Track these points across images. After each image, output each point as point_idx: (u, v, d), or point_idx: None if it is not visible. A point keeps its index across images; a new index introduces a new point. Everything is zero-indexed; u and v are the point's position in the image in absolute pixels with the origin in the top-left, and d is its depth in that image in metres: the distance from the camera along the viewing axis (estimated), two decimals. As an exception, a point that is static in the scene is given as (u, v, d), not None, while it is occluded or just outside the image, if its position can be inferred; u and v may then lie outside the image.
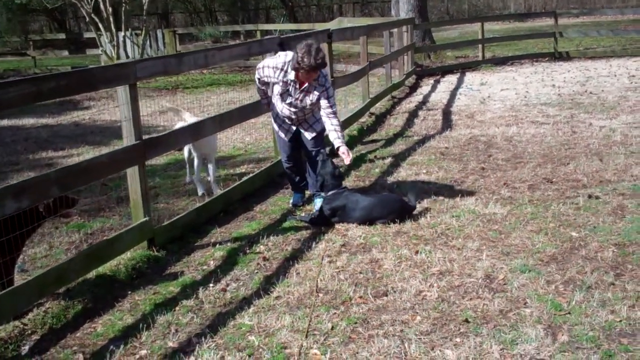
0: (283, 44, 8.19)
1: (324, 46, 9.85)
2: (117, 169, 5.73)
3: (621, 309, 4.46)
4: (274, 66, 6.63)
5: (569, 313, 4.46)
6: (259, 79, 6.87)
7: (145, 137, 5.86)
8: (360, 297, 4.89)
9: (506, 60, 20.42)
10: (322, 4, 45.77)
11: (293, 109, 6.77)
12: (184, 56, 6.53)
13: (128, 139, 5.72)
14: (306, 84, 6.56)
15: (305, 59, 6.28)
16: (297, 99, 6.69)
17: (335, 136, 6.60)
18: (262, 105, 7.33)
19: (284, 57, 6.62)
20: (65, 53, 28.22)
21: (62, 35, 31.32)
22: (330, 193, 6.57)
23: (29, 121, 14.16)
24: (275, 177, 8.19)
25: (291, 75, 6.53)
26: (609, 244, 5.59)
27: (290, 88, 6.65)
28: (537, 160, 8.39)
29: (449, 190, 7.33)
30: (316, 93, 6.62)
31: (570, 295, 4.70)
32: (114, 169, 5.68)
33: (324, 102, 6.63)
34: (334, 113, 6.63)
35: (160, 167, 9.28)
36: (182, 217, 6.41)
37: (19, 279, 5.26)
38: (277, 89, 6.73)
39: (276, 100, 6.84)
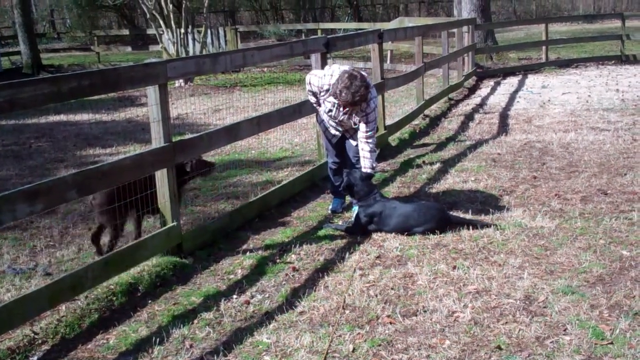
0: (329, 44, 7.92)
1: (375, 47, 9.56)
2: (143, 172, 5.51)
3: (671, 340, 4.08)
4: (319, 85, 6.53)
5: (612, 343, 4.08)
6: (309, 90, 6.71)
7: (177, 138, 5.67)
8: (388, 316, 4.59)
9: (570, 62, 19.77)
10: (388, 3, 45.36)
11: (338, 125, 6.70)
12: (219, 56, 6.30)
13: (157, 141, 5.52)
14: (348, 108, 6.34)
15: (343, 94, 6.07)
16: (340, 119, 6.58)
17: (364, 164, 6.50)
18: (307, 107, 7.11)
19: (329, 78, 6.43)
20: (129, 49, 28.56)
21: (126, 32, 31.74)
22: (363, 200, 6.30)
23: (84, 117, 14.18)
24: (317, 181, 7.93)
25: (334, 99, 6.35)
26: (663, 265, 5.17)
27: (334, 109, 6.51)
28: (593, 169, 7.95)
29: (496, 200, 6.96)
30: (357, 118, 6.44)
31: (614, 322, 4.32)
32: (139, 172, 5.46)
33: (362, 126, 6.43)
34: (369, 138, 6.43)
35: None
36: (214, 222, 6.21)
37: (41, 283, 5.13)
38: (323, 105, 6.63)
39: (322, 112, 6.73)
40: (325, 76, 6.49)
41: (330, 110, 6.55)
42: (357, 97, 6.06)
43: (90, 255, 5.96)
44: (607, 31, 25.72)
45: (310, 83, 6.64)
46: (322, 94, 6.53)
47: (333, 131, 6.80)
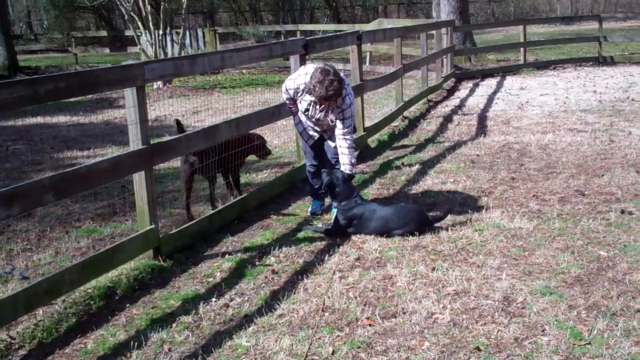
0: (308, 46, 7.92)
1: (354, 48, 9.57)
2: (120, 174, 5.50)
3: (647, 340, 4.11)
4: (295, 87, 6.56)
5: (590, 343, 4.10)
6: (287, 97, 6.72)
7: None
8: (368, 318, 4.59)
9: (549, 64, 19.92)
10: (367, 4, 45.46)
11: (315, 124, 6.69)
12: (198, 58, 6.28)
13: (134, 143, 5.48)
14: (324, 105, 6.36)
15: (317, 89, 6.12)
16: (317, 118, 6.58)
17: (342, 161, 6.51)
18: (286, 109, 7.10)
19: (304, 77, 6.44)
20: (107, 50, 28.37)
21: (104, 33, 31.52)
22: (344, 202, 6.30)
23: (61, 119, 14.07)
24: (297, 182, 7.93)
25: (310, 96, 6.34)
26: (639, 265, 5.20)
27: (311, 107, 6.54)
28: (571, 170, 8.00)
29: (474, 202, 6.99)
30: (333, 115, 6.46)
31: (592, 322, 4.34)
32: (117, 175, 5.44)
33: (339, 123, 6.46)
34: (346, 135, 6.45)
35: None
36: (192, 225, 6.17)
37: (18, 287, 5.08)
38: (300, 105, 6.64)
39: (300, 112, 6.73)
40: (300, 76, 6.51)
41: (307, 110, 6.56)
42: (331, 90, 6.08)
43: (68, 258, 5.91)
44: (585, 33, 25.92)
45: (286, 90, 6.65)
46: (299, 94, 6.54)
47: (311, 132, 6.79)
